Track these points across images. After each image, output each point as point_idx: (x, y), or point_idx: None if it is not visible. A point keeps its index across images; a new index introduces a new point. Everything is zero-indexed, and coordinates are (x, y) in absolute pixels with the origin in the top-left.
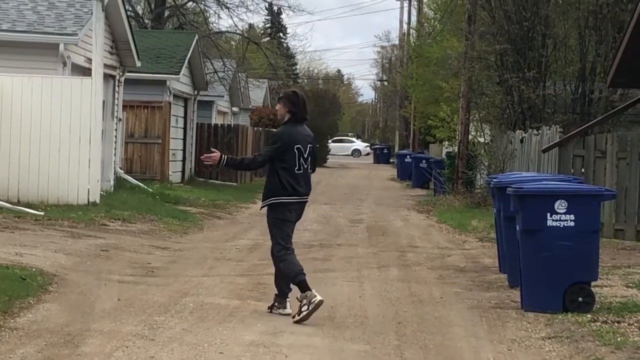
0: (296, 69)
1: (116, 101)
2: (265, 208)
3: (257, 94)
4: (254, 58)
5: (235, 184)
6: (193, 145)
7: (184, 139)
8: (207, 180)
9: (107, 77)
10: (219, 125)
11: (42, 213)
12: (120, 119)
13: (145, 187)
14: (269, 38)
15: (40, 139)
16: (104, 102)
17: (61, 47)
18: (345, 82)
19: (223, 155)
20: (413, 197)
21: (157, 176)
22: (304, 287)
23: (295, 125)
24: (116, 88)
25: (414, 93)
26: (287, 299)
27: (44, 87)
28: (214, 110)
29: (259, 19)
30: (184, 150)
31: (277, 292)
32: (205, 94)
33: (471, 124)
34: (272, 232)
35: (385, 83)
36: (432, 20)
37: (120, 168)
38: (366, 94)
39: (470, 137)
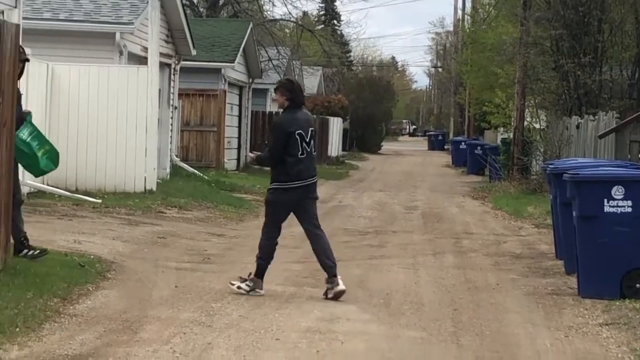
0: (350, 56)
1: (172, 89)
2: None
3: (311, 81)
4: (308, 45)
5: None
6: (248, 133)
7: (239, 127)
8: (262, 168)
9: (163, 65)
10: (274, 112)
11: (99, 201)
12: (176, 107)
13: (201, 174)
14: (323, 25)
15: (97, 128)
16: (160, 90)
17: (117, 36)
18: (400, 69)
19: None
20: (468, 184)
21: (213, 164)
22: (259, 274)
23: (294, 111)
24: (172, 76)
25: (469, 79)
26: (336, 276)
27: (101, 76)
28: (269, 97)
29: (313, 7)
30: (239, 138)
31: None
32: (260, 81)
33: (526, 110)
34: (265, 212)
35: (440, 69)
36: (487, 6)
37: (176, 156)
38: (420, 80)
39: (525, 123)
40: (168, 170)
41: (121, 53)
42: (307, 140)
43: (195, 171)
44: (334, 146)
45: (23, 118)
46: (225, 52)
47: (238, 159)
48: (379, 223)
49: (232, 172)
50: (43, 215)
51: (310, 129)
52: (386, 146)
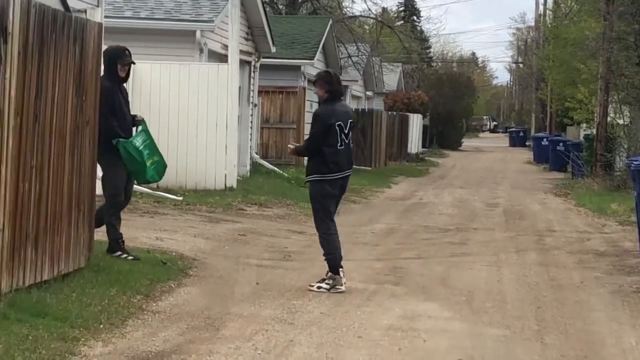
0: (430, 52)
1: (252, 87)
2: (308, 184)
3: (391, 78)
4: (387, 42)
5: (369, 168)
6: None
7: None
8: None
9: (243, 63)
10: (353, 109)
11: (180, 198)
12: (255, 105)
13: (281, 172)
14: (402, 21)
15: (178, 125)
16: (239, 88)
17: (198, 34)
18: (480, 65)
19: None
20: (550, 181)
21: (292, 161)
22: (335, 270)
23: (333, 103)
24: (252, 74)
25: (551, 75)
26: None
27: (182, 74)
28: (348, 95)
29: (392, 3)
30: None
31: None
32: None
33: (610, 105)
34: (314, 208)
35: (521, 65)
36: (569, 1)
37: (256, 153)
38: (501, 76)
39: (608, 119)
40: (248, 167)
41: (201, 51)
42: (346, 132)
43: (275, 168)
44: (414, 143)
45: (137, 124)
46: (304, 49)
47: None
48: (460, 220)
49: None
50: (125, 212)
51: (350, 120)
52: (466, 143)
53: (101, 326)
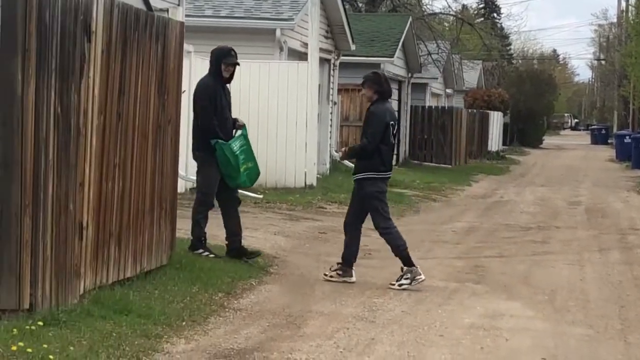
0: (510, 49)
1: (331, 85)
2: (360, 182)
3: (471, 75)
4: (467, 39)
5: (449, 166)
6: (407, 128)
7: (398, 122)
8: (422, 163)
9: (323, 61)
10: (433, 107)
11: (261, 196)
12: (335, 103)
13: None
14: (482, 19)
15: (258, 123)
16: (319, 86)
17: (278, 32)
18: (561, 62)
19: (345, 148)
20: (632, 179)
21: None
22: (408, 262)
23: (384, 102)
24: (331, 72)
25: (633, 72)
26: (353, 269)
27: (262, 72)
28: (428, 92)
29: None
30: (397, 133)
31: (341, 262)
32: (419, 76)
33: None
34: (374, 206)
35: (603, 62)
36: None
37: (336, 151)
38: (583, 73)
39: None
40: (328, 165)
41: (281, 49)
42: (394, 132)
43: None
44: (494, 141)
45: (237, 127)
46: (384, 46)
47: (397, 154)
48: (541, 218)
49: None
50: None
51: (396, 120)
52: (547, 140)
53: (183, 323)
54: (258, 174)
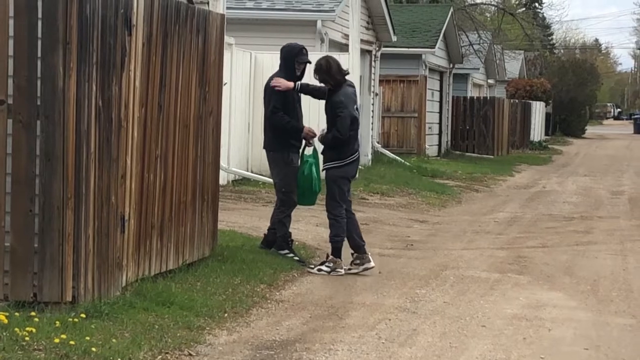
0: (552, 39)
1: (372, 76)
2: (329, 170)
3: (513, 65)
4: (509, 29)
5: (492, 156)
6: (449, 119)
7: (440, 113)
8: (464, 154)
9: (364, 52)
10: (475, 98)
11: None
12: (377, 94)
13: (402, 160)
14: (524, 8)
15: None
16: (360, 77)
17: (319, 24)
18: (603, 52)
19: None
20: None
21: (414, 150)
22: (337, 253)
23: (347, 86)
24: (372, 63)
25: None
26: (367, 253)
27: None
28: (469, 83)
29: None
30: (439, 123)
31: (352, 252)
32: (460, 66)
33: None
34: (332, 190)
35: None
36: None
37: (378, 142)
38: (625, 63)
39: None
40: (369, 156)
41: (322, 41)
42: (358, 115)
43: (397, 157)
44: (537, 131)
45: (307, 145)
46: (425, 37)
47: (439, 145)
48: (584, 208)
49: (433, 158)
50: (248, 202)
51: (356, 102)
52: (590, 130)
53: (225, 315)
54: (317, 193)
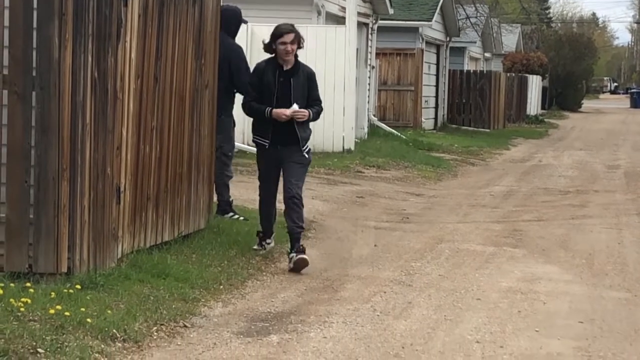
0: (549, 12)
1: (369, 49)
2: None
3: (510, 39)
4: (506, 2)
5: (488, 130)
6: (445, 92)
7: (437, 86)
8: (460, 127)
9: (361, 25)
10: (471, 71)
11: None
12: (373, 67)
13: (398, 134)
14: None
15: None
16: (357, 50)
17: None
18: (600, 25)
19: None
20: None
21: (410, 123)
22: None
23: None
24: (369, 36)
25: None
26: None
27: None
28: (466, 56)
29: None
30: (436, 97)
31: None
32: (457, 40)
33: None
34: (304, 174)
35: None
36: None
37: (374, 115)
38: (622, 37)
39: None
40: (366, 129)
41: (319, 13)
42: None
43: (393, 130)
44: (533, 104)
45: None
46: (422, 10)
47: (435, 118)
48: (580, 182)
49: (429, 132)
50: (244, 175)
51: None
52: (586, 104)
53: (221, 287)
54: None
